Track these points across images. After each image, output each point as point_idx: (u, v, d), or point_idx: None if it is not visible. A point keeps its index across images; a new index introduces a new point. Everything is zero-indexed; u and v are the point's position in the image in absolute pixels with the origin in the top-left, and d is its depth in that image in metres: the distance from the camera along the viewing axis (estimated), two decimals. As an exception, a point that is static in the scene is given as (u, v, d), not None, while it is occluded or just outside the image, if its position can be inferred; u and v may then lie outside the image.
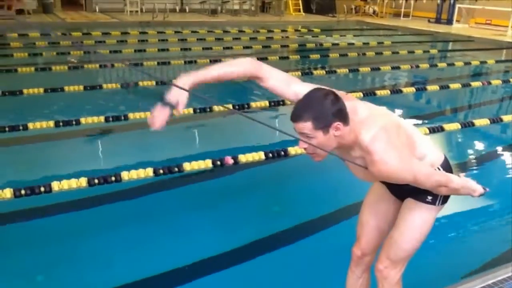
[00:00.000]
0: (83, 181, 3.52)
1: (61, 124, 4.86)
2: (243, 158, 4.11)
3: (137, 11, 16.56)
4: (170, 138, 5.19)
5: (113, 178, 3.61)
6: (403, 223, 2.00)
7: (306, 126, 1.70)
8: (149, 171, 3.74)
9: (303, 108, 1.71)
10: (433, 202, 1.96)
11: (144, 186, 3.81)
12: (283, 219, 3.50)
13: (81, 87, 6.33)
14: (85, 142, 5.07)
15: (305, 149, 1.77)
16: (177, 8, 18.23)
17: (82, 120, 4.95)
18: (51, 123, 4.82)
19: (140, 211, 3.56)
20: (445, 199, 1.99)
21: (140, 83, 6.84)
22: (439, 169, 1.97)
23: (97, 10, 16.80)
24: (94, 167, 4.14)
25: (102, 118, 5.05)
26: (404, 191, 2.00)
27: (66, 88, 6.25)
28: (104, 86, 6.69)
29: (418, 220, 1.98)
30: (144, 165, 3.84)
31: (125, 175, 3.66)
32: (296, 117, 1.72)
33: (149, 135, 5.22)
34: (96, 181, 3.56)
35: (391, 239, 2.04)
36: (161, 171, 3.78)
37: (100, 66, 8.14)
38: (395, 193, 2.08)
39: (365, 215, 2.18)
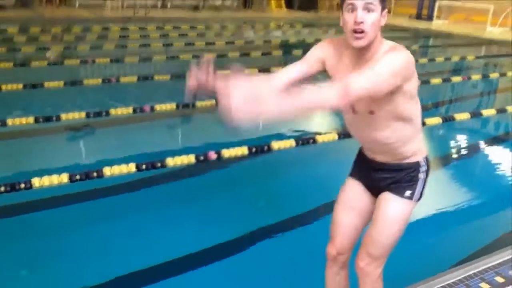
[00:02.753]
0: (64, 177, 3.47)
1: (41, 120, 4.77)
2: (226, 153, 4.10)
3: (118, 7, 16.36)
4: (153, 133, 5.16)
5: (95, 174, 3.57)
6: (382, 219, 1.99)
7: None
8: (132, 167, 3.70)
9: None
10: (410, 197, 1.98)
11: (127, 182, 3.77)
12: (267, 214, 3.51)
13: (61, 83, 6.23)
14: (66, 138, 4.99)
15: (360, 23, 1.73)
16: (159, 3, 18.06)
17: (63, 116, 4.87)
18: (31, 119, 4.73)
19: (123, 207, 3.52)
20: (421, 195, 2.02)
21: (122, 79, 6.77)
22: (426, 159, 2.02)
23: (77, 5, 16.55)
24: (76, 163, 4.09)
25: (83, 114, 4.98)
26: (382, 186, 2.01)
27: (46, 83, 6.14)
28: (85, 82, 6.60)
29: (396, 215, 1.98)
30: (126, 161, 3.80)
31: (107, 170, 3.62)
32: None
33: (132, 131, 5.21)
34: (78, 177, 3.51)
35: (370, 236, 2.02)
36: (144, 167, 3.74)
37: (81, 61, 8.02)
38: (371, 187, 2.08)
39: (339, 214, 2.15)
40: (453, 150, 5.31)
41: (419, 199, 2.02)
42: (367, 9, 1.72)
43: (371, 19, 1.73)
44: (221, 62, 8.19)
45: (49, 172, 3.53)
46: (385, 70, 1.69)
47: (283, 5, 19.72)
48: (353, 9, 1.73)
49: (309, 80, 1.96)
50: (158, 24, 13.14)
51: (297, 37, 12.53)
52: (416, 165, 2.00)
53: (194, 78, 1.71)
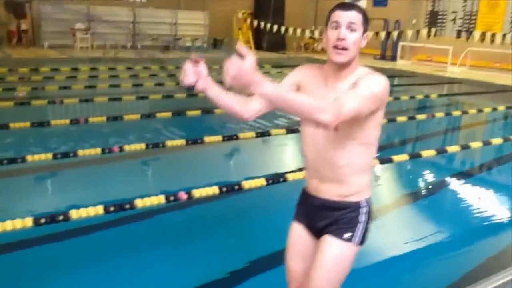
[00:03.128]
0: (28, 221, 3.34)
1: (5, 162, 4.64)
2: (196, 193, 4.06)
3: (87, 47, 16.37)
4: (122, 174, 5.08)
5: (61, 217, 3.45)
6: (320, 263, 1.96)
7: (358, 17, 1.84)
8: (99, 209, 3.61)
9: (356, 4, 1.87)
10: (350, 239, 1.95)
11: (95, 225, 3.67)
12: (240, 253, 3.46)
13: (28, 124, 6.11)
14: (32, 180, 4.86)
15: (343, 39, 1.82)
16: (129, 44, 18.19)
17: (28, 157, 4.74)
18: (-5, 161, 4.60)
19: (91, 251, 3.41)
20: (363, 238, 1.98)
21: (91, 119, 6.69)
22: (368, 202, 2.01)
23: (46, 46, 16.49)
24: (41, 206, 3.97)
25: (50, 155, 4.86)
26: (322, 227, 2.00)
27: (11, 124, 6.00)
28: (53, 122, 6.49)
29: (335, 258, 1.95)
30: (94, 203, 3.71)
31: (73, 213, 3.51)
32: (352, 6, 1.84)
33: (100, 172, 5.11)
34: (43, 220, 3.39)
35: (312, 280, 1.98)
36: (112, 209, 3.65)
37: (49, 102, 7.92)
38: (313, 229, 2.06)
39: (288, 260, 2.14)
40: (421, 186, 5.41)
41: (361, 243, 1.98)
42: (350, 28, 1.82)
43: (353, 37, 1.82)
44: (192, 102, 8.24)
45: (13, 216, 3.40)
46: (368, 92, 1.76)
47: (253, 46, 20.14)
48: (337, 26, 1.83)
49: None
50: (128, 65, 13.17)
51: (266, 77, 12.75)
52: (357, 206, 1.98)
53: (190, 74, 1.83)
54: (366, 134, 1.89)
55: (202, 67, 1.85)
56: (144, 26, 18.45)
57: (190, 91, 1.82)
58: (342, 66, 1.88)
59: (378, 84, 1.81)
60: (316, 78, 1.97)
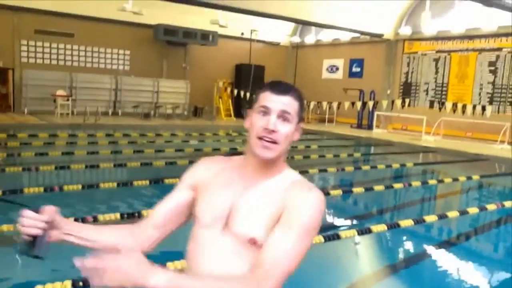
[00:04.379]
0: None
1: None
2: (171, 266, 3.93)
3: (67, 114, 16.41)
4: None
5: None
6: None
7: (294, 105, 1.47)
8: (67, 284, 3.45)
9: (293, 88, 1.49)
10: None
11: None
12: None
13: (-1, 192, 5.96)
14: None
15: (272, 131, 1.44)
16: (110, 111, 18.32)
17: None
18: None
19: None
20: None
21: (66, 187, 6.58)
22: None
23: (26, 111, 16.49)
24: (4, 281, 3.77)
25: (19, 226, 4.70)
26: None
27: (-18, 193, 5.85)
28: (26, 190, 6.35)
29: None
30: (61, 277, 3.55)
31: (39, 289, 3.35)
32: (288, 90, 1.47)
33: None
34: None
35: None
36: (81, 284, 3.49)
37: (23, 169, 7.79)
38: None
39: None
40: (399, 256, 5.36)
41: None
42: (283, 117, 1.45)
43: (285, 130, 1.46)
44: (170, 170, 8.20)
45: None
46: (301, 235, 1.38)
47: (232, 114, 20.48)
48: (266, 113, 1.46)
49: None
50: (108, 131, 13.19)
51: (245, 145, 12.90)
52: None
53: (35, 226, 1.37)
54: None
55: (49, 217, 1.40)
56: (126, 94, 18.71)
57: (31, 252, 1.34)
58: (267, 163, 1.50)
59: (313, 212, 1.44)
60: (226, 172, 1.57)
